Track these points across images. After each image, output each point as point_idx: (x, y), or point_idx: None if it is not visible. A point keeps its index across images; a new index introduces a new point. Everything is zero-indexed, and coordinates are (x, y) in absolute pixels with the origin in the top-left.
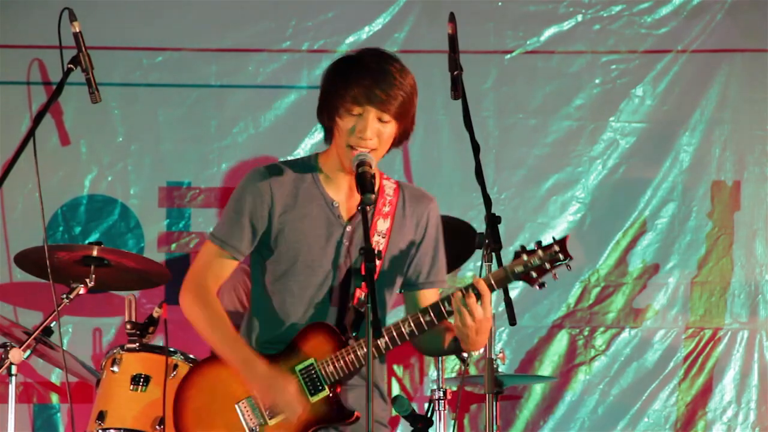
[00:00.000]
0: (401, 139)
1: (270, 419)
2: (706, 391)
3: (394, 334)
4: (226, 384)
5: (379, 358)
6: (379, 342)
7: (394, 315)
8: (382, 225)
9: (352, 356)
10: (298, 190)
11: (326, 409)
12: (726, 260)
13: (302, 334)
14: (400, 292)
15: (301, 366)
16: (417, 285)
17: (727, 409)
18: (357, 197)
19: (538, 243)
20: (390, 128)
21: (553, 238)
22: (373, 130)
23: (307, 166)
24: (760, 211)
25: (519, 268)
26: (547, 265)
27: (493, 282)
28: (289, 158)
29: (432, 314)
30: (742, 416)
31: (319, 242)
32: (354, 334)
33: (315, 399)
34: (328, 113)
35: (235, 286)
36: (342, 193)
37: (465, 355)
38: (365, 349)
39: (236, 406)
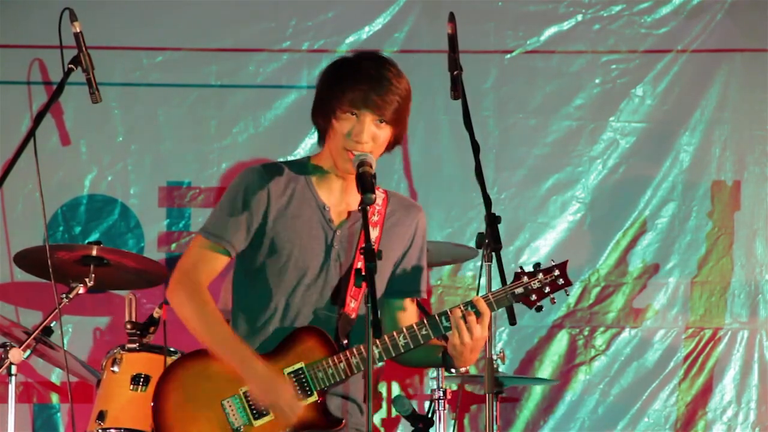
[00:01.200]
0: (394, 144)
1: (255, 420)
2: (706, 391)
3: (389, 345)
4: (212, 380)
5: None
6: (374, 352)
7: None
8: (371, 234)
9: (344, 365)
10: (292, 191)
11: (313, 414)
12: (726, 260)
13: (293, 337)
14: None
15: (290, 369)
16: (399, 293)
17: (727, 409)
18: (348, 201)
19: (537, 265)
20: (385, 132)
21: (552, 261)
22: (369, 133)
23: (301, 167)
24: (760, 211)
25: (519, 290)
26: (547, 289)
27: (493, 302)
28: (285, 159)
29: (428, 328)
30: (742, 416)
31: (310, 244)
32: (345, 342)
33: (304, 403)
34: (323, 115)
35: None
36: (333, 197)
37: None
38: (358, 359)
39: (222, 402)
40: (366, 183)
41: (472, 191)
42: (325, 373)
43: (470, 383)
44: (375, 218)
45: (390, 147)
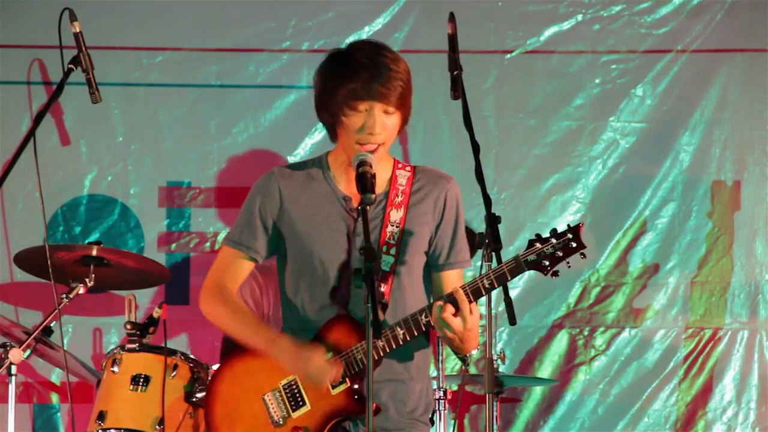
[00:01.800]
0: (404, 125)
1: (294, 411)
2: (706, 391)
3: (390, 337)
4: (254, 376)
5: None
6: (378, 344)
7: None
8: (395, 215)
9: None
10: (309, 188)
11: (347, 400)
12: (726, 260)
13: (326, 327)
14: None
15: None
16: (439, 266)
17: (727, 409)
18: None
19: (553, 230)
20: (395, 118)
21: (568, 225)
22: (381, 124)
23: (317, 164)
24: (760, 211)
25: (532, 257)
26: (560, 254)
27: (506, 272)
28: (296, 159)
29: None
30: (742, 416)
31: (333, 236)
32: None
33: (336, 391)
34: (330, 112)
35: (242, 290)
36: (354, 187)
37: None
38: (383, 342)
39: (263, 397)
40: (366, 183)
41: (472, 191)
42: (354, 359)
43: (470, 383)
44: (399, 199)
45: (401, 130)
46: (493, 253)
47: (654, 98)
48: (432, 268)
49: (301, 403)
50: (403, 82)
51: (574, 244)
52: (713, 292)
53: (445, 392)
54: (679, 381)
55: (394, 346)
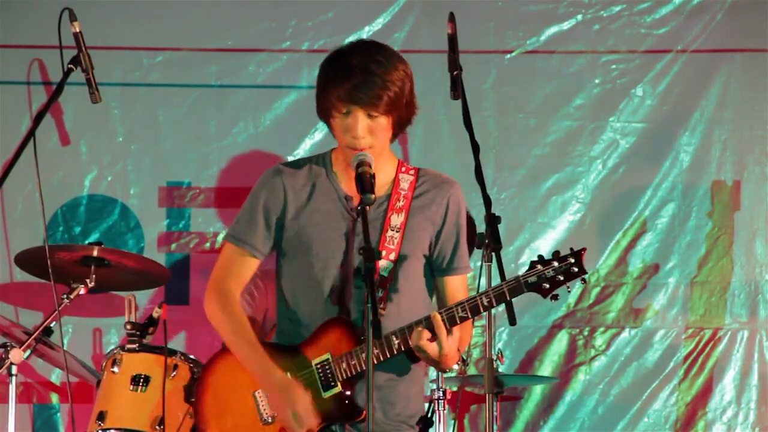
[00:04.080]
0: (401, 126)
1: None
2: (706, 391)
3: (385, 346)
4: (246, 372)
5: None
6: (377, 351)
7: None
8: (396, 220)
9: (365, 355)
10: (312, 186)
11: (337, 405)
12: (726, 260)
13: (322, 329)
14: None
15: (317, 360)
16: (442, 271)
17: (727, 409)
18: None
19: (556, 253)
20: (382, 121)
21: (571, 249)
22: (363, 128)
23: (321, 161)
24: (760, 211)
25: (532, 279)
26: (561, 277)
27: (506, 292)
28: (302, 156)
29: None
30: (742, 416)
31: (332, 235)
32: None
33: (327, 395)
34: (322, 114)
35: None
36: (355, 187)
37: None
38: (379, 349)
39: (254, 393)
40: (365, 183)
41: (472, 191)
42: (348, 364)
43: (470, 383)
44: (400, 203)
45: (398, 130)
46: (493, 253)
47: (654, 98)
48: (435, 272)
49: (285, 424)
50: (391, 90)
51: (576, 269)
52: (713, 292)
53: (445, 392)
54: (679, 381)
55: (388, 355)
